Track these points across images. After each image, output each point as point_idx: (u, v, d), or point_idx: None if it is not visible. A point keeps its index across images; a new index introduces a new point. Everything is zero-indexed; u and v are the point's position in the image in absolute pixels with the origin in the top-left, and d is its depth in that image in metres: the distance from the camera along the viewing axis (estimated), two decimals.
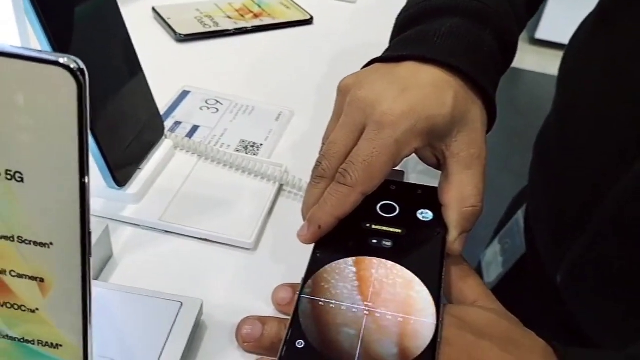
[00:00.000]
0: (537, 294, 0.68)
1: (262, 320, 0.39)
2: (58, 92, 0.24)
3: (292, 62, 0.72)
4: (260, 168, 0.52)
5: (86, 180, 0.25)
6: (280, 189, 0.52)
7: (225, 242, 0.46)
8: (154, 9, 0.76)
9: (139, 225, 0.46)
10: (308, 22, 0.79)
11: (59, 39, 0.41)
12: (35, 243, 0.26)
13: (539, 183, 0.67)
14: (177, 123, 0.58)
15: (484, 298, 0.40)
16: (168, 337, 0.37)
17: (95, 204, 0.46)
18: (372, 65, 0.45)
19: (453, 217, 0.41)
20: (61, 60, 0.23)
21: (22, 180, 0.25)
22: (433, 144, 0.42)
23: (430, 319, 0.36)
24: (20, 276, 0.27)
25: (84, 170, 0.25)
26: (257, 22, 0.77)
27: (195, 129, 0.57)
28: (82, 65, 0.24)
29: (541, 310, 0.64)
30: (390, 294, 0.37)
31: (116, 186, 0.46)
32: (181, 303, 0.39)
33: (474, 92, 0.43)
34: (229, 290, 0.43)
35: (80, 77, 0.23)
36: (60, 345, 0.28)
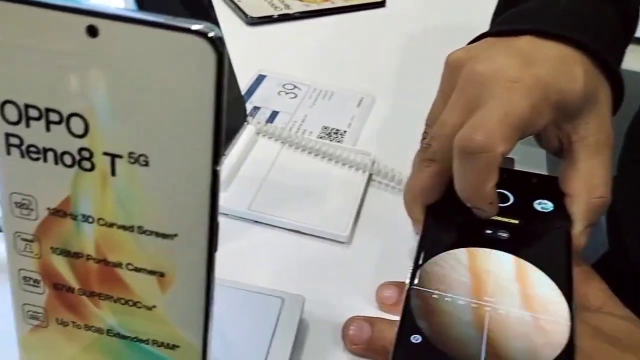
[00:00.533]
0: (624, 294, 0.64)
1: (370, 320, 0.36)
2: (192, 63, 0.21)
3: (366, 46, 0.68)
4: (348, 156, 0.49)
5: (219, 167, 0.22)
6: (369, 179, 0.48)
7: (319, 234, 0.43)
8: None
9: (227, 215, 0.44)
10: (380, 4, 0.75)
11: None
12: (158, 234, 0.24)
13: (633, 174, 0.62)
14: (256, 108, 0.55)
15: (610, 304, 0.37)
16: (273, 335, 0.34)
17: None
18: (483, 40, 0.41)
19: (580, 208, 0.37)
20: (196, 27, 0.20)
21: (146, 164, 0.22)
22: (560, 125, 0.38)
23: (564, 319, 0.32)
24: (138, 270, 0.24)
25: (218, 154, 0.22)
26: (328, 5, 0.73)
27: (275, 114, 0.54)
28: (220, 33, 0.21)
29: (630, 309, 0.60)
30: (513, 290, 0.34)
31: None
32: (282, 299, 0.36)
33: (601, 70, 0.39)
34: (326, 286, 0.40)
35: (220, 46, 0.21)
36: (177, 346, 0.26)
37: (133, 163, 0.22)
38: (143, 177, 0.23)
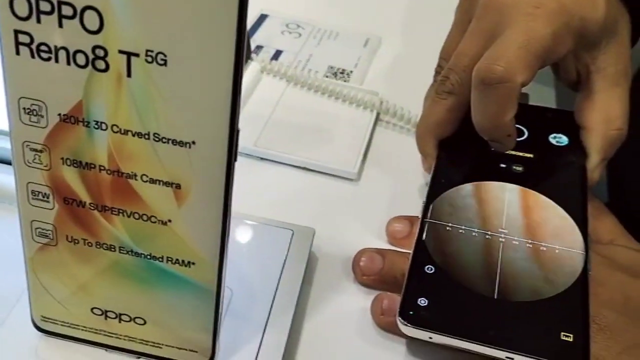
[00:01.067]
0: None
1: (381, 252, 0.35)
2: None
3: None
4: (356, 95, 0.47)
5: (241, 69, 0.21)
6: (377, 118, 0.47)
7: (327, 171, 0.42)
8: None
9: None
10: None
11: None
12: (175, 142, 0.22)
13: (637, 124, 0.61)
14: (259, 47, 0.53)
15: (621, 237, 0.36)
16: (283, 266, 0.33)
17: None
18: None
19: (596, 140, 0.36)
20: None
21: (164, 64, 0.21)
22: (579, 54, 0.37)
23: (579, 248, 0.32)
24: (153, 181, 0.23)
25: (240, 54, 0.21)
26: None
27: (278, 53, 0.53)
28: None
29: None
30: (528, 221, 0.33)
31: None
32: (292, 231, 0.35)
33: (620, 1, 0.38)
34: (335, 221, 0.39)
35: None
36: (193, 263, 0.25)
37: (150, 62, 0.21)
38: (160, 78, 0.21)
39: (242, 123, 0.45)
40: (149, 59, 0.21)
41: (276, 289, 0.32)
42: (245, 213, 0.36)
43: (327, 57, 0.53)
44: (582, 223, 0.33)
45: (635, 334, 0.30)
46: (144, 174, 0.23)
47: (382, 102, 0.47)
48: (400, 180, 0.42)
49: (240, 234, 0.34)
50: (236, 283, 0.31)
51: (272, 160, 0.42)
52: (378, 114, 0.47)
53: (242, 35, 0.21)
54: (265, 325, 0.30)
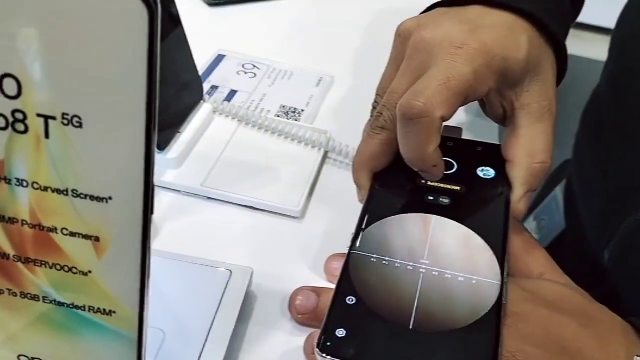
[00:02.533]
0: (578, 273, 0.65)
1: (317, 291, 0.36)
2: (125, 22, 0.21)
3: (327, 27, 0.68)
4: (305, 134, 0.49)
5: (153, 127, 0.22)
6: (325, 156, 0.49)
7: (271, 209, 0.43)
8: None
9: (179, 191, 0.44)
10: None
11: None
12: (92, 197, 0.23)
13: (588, 155, 0.63)
14: (214, 87, 0.55)
15: (551, 271, 0.38)
16: (219, 307, 0.34)
17: None
18: (434, 10, 0.41)
19: (520, 173, 0.38)
20: None
21: (80, 126, 0.22)
22: (503, 92, 0.39)
23: (495, 279, 0.33)
24: (73, 235, 0.24)
25: (151, 115, 0.22)
26: None
27: (233, 93, 0.54)
28: None
29: (583, 288, 0.61)
30: (448, 253, 0.35)
31: (156, 149, 0.44)
32: (231, 272, 0.36)
33: (546, 40, 0.40)
34: (277, 260, 0.40)
35: (153, 5, 0.21)
36: (114, 312, 0.26)
37: (67, 125, 0.22)
38: (77, 139, 0.22)
39: (192, 163, 0.47)
40: (65, 121, 0.22)
41: (209, 330, 0.33)
42: (184, 254, 0.37)
43: (280, 97, 0.54)
44: (501, 254, 0.35)
45: None
46: (64, 228, 0.24)
47: (329, 141, 0.48)
48: (344, 218, 0.44)
49: (178, 275, 0.35)
50: (170, 324, 0.32)
51: (219, 200, 0.44)
52: (326, 152, 0.49)
53: (152, 97, 0.22)
54: None
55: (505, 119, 0.40)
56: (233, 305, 0.34)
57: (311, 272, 0.39)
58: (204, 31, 0.64)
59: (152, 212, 0.24)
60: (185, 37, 0.47)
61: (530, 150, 0.38)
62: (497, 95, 0.39)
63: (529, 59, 0.37)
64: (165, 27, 0.45)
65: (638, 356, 0.33)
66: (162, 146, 0.44)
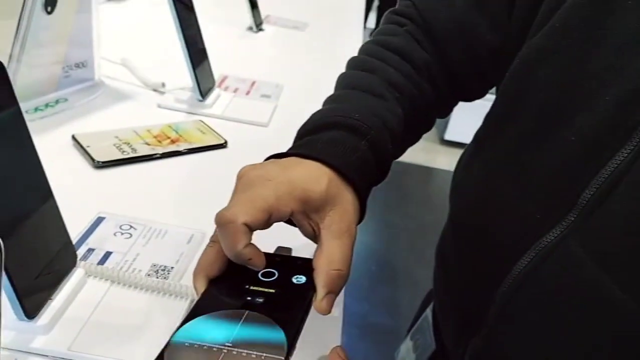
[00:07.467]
0: None
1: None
2: None
3: (206, 185, 0.76)
4: (173, 289, 0.54)
5: None
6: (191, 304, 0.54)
7: None
8: (73, 137, 0.79)
9: (47, 356, 0.48)
10: (222, 145, 0.84)
11: None
12: None
13: (442, 283, 0.72)
14: (90, 250, 0.60)
15: None
16: None
17: (5, 337, 0.48)
18: (269, 159, 0.54)
19: (321, 277, 0.47)
20: None
21: None
22: (310, 216, 0.49)
23: (281, 354, 0.40)
24: None
25: None
26: (173, 148, 0.81)
27: (108, 255, 0.60)
28: None
29: None
30: (250, 338, 0.42)
31: (26, 318, 0.48)
32: None
33: (346, 184, 0.51)
34: None
35: None
36: None
37: None
38: None
39: (61, 327, 0.51)
40: None
41: None
42: None
43: (152, 256, 0.60)
44: (292, 335, 0.42)
45: None
46: None
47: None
48: None
49: None
50: None
51: None
52: (192, 301, 0.54)
53: None
54: None
55: (315, 237, 0.50)
56: None
57: None
58: (88, 194, 0.70)
59: None
60: (57, 209, 0.53)
61: (329, 260, 0.47)
62: (305, 217, 0.49)
63: (328, 192, 0.49)
64: (35, 202, 0.50)
65: None
66: (32, 314, 0.48)
